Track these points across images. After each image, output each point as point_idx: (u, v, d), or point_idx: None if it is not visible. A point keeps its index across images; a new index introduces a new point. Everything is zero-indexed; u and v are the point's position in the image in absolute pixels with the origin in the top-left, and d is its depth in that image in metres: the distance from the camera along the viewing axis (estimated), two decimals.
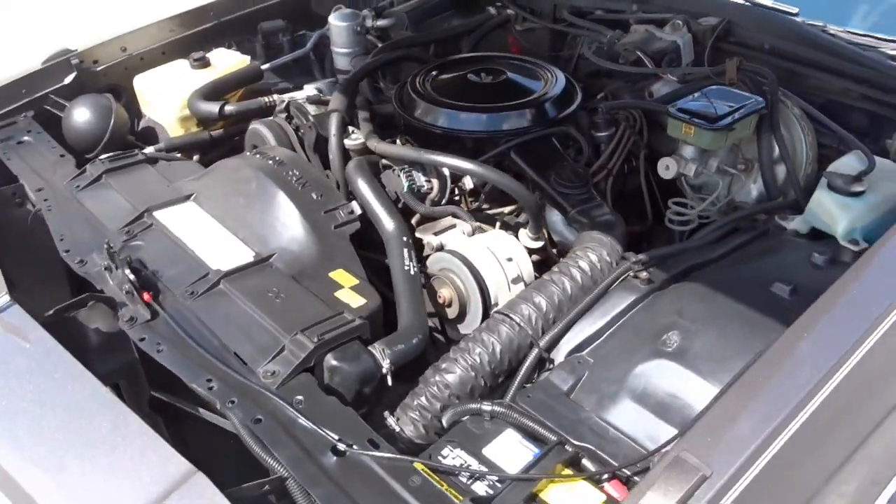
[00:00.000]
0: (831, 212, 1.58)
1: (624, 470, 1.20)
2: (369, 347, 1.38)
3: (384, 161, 1.86)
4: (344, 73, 2.49)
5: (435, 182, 1.78)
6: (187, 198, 1.78)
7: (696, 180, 1.91)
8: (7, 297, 1.46)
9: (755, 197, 1.87)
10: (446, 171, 1.78)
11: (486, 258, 1.59)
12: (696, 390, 1.30)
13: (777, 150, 1.81)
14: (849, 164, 1.70)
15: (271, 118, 2.04)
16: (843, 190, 1.60)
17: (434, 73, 2.10)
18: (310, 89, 2.23)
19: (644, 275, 1.50)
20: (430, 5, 2.62)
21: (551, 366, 1.47)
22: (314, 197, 1.68)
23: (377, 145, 1.82)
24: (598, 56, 2.22)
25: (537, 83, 2.01)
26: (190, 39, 2.56)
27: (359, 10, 2.52)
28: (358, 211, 1.68)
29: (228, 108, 2.12)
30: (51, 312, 1.46)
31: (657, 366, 1.36)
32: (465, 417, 1.32)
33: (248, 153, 1.90)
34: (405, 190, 1.74)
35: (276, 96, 2.17)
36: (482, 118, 1.90)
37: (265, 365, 1.32)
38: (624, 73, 2.17)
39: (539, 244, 1.73)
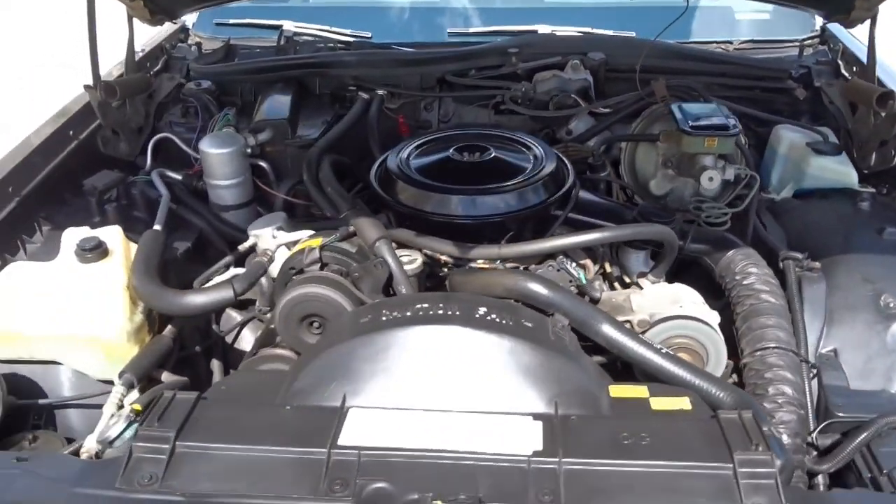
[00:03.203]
0: (839, 170, 1.98)
1: None
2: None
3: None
4: (230, 209, 2.02)
5: (589, 263, 1.62)
6: (341, 409, 1.27)
7: (660, 190, 2.13)
8: None
9: (718, 187, 2.17)
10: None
11: (703, 310, 1.54)
12: None
13: None
14: (795, 135, 2.12)
15: (316, 276, 1.55)
16: (833, 153, 2.00)
17: (408, 159, 1.88)
18: (267, 234, 1.76)
19: (816, 265, 1.66)
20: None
21: (811, 373, 1.53)
22: (528, 325, 1.37)
23: (502, 251, 1.57)
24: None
25: (520, 151, 1.95)
26: None
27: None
28: (566, 321, 1.44)
29: (240, 286, 1.53)
30: None
31: None
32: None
33: (345, 323, 1.41)
34: (584, 282, 1.55)
35: (270, 251, 1.65)
36: (531, 193, 1.78)
37: None
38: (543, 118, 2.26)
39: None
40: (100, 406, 1.57)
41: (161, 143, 2.15)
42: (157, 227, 1.80)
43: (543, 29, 2.49)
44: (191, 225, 1.96)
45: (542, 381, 1.30)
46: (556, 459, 1.16)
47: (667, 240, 1.62)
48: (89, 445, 1.34)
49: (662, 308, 1.54)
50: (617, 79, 2.34)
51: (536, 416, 1.25)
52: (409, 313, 1.37)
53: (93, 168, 2.11)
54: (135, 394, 1.49)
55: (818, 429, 1.43)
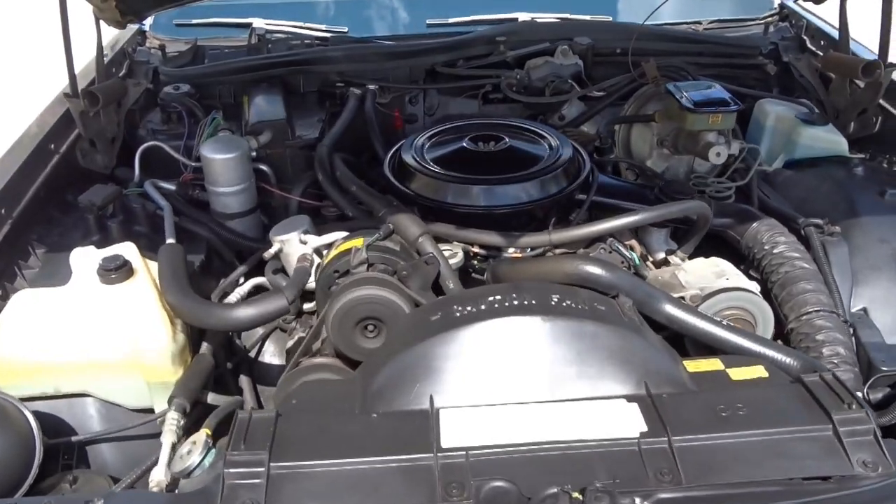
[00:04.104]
0: (830, 139, 2.08)
1: None
2: None
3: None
4: (235, 217, 1.93)
5: (635, 243, 1.63)
6: (432, 410, 1.23)
7: (656, 169, 2.18)
8: None
9: (710, 165, 2.23)
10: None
11: (745, 281, 1.58)
12: None
13: None
14: (780, 108, 2.21)
15: (367, 277, 1.49)
16: (822, 123, 2.10)
17: (422, 152, 1.85)
18: (294, 238, 1.69)
19: (837, 229, 1.74)
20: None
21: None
22: (602, 308, 1.37)
23: (552, 237, 1.56)
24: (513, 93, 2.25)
25: (532, 139, 1.94)
26: None
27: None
28: (630, 301, 1.44)
29: (291, 294, 1.46)
30: None
31: None
32: None
33: (455, 313, 1.35)
34: (637, 262, 1.56)
35: (307, 255, 1.58)
36: (556, 179, 1.78)
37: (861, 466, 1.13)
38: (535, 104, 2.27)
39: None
40: (135, 437, 1.48)
41: (145, 153, 2.01)
42: (170, 240, 1.70)
43: (523, 16, 2.49)
44: (196, 236, 1.85)
45: (627, 363, 1.30)
46: (665, 438, 1.16)
47: (704, 215, 1.66)
48: (158, 478, 1.25)
49: (710, 282, 1.58)
50: (602, 62, 2.38)
51: (630, 398, 1.25)
52: (483, 307, 1.35)
53: (74, 183, 1.97)
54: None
55: (868, 384, 1.49)
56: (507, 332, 1.30)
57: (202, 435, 1.22)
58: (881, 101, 2.08)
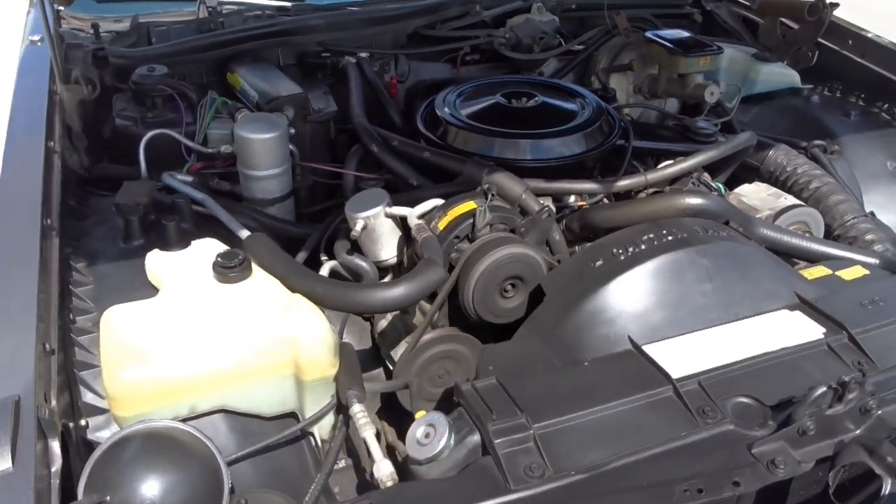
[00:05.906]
0: (786, 73, 2.35)
1: None
2: None
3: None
4: (276, 202, 1.79)
5: (707, 175, 1.74)
6: (637, 349, 1.27)
7: (634, 113, 2.34)
8: None
9: (678, 106, 2.43)
10: None
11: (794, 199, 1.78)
12: None
13: None
14: (730, 50, 2.45)
15: (502, 237, 1.46)
16: (773, 59, 2.36)
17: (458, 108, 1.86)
18: (380, 212, 1.60)
19: (837, 147, 1.99)
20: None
21: None
22: (734, 234, 1.47)
23: (648, 177, 1.63)
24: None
25: (566, 95, 1.99)
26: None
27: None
28: (740, 227, 1.56)
29: (441, 262, 1.38)
30: None
31: None
32: None
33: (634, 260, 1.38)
34: (723, 192, 1.67)
35: (423, 226, 1.50)
36: (602, 129, 1.86)
37: None
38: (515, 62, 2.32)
39: None
40: (282, 445, 1.35)
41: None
42: (243, 232, 1.54)
43: None
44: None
45: (776, 278, 1.43)
46: (844, 333, 1.30)
47: (751, 146, 1.83)
48: (387, 470, 1.16)
49: (772, 203, 1.75)
50: (564, 18, 2.47)
51: (791, 308, 1.38)
52: (643, 247, 1.40)
53: (66, 187, 1.69)
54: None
55: None
56: (679, 264, 1.37)
57: (438, 416, 1.15)
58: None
